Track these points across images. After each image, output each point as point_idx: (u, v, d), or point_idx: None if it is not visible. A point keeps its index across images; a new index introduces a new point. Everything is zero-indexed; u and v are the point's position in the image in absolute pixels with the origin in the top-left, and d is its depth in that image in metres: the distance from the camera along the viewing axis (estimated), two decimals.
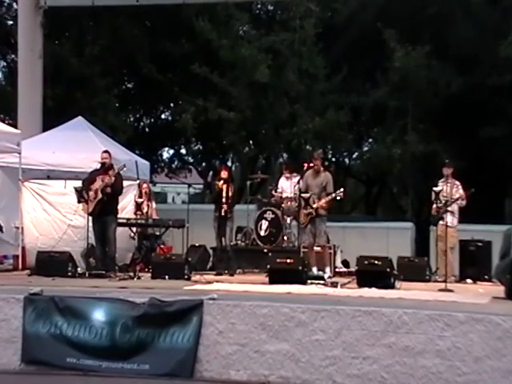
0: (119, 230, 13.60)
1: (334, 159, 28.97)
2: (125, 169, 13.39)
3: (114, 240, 13.15)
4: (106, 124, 19.99)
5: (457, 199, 13.58)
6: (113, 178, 12.99)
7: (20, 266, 14.00)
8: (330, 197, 12.82)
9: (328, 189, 12.90)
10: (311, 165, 13.13)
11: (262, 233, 15.03)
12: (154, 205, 15.26)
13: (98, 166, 13.43)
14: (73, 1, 20.41)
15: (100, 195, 12.96)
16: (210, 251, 15.17)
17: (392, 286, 11.34)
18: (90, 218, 13.16)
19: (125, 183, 13.89)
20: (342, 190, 12.91)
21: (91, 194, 12.99)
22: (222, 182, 13.89)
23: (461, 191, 13.67)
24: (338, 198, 12.86)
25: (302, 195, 12.82)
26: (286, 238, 14.93)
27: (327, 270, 12.84)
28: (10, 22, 24.55)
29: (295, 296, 10.07)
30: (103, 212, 13.05)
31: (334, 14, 23.92)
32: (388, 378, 8.40)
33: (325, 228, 13.01)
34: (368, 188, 31.05)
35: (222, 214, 13.74)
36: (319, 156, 13.45)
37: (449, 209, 13.34)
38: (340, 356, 8.59)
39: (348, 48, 23.08)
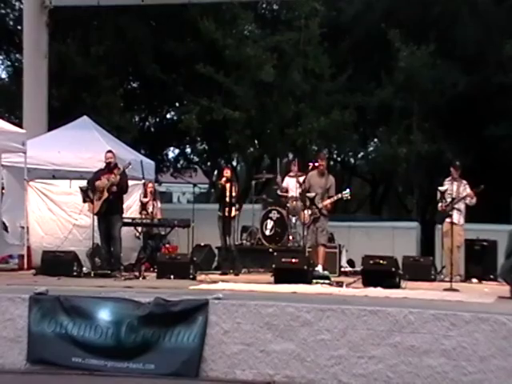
0: (124, 229, 13.61)
1: (339, 159, 29.00)
2: (130, 167, 13.41)
3: (119, 239, 13.17)
4: (111, 124, 20.03)
5: (464, 197, 13.58)
6: (118, 177, 13.00)
7: (25, 266, 14.00)
8: (336, 197, 12.85)
9: (330, 192, 12.95)
10: (316, 165, 13.13)
11: (268, 232, 15.04)
12: (159, 204, 15.26)
13: (103, 165, 13.43)
14: (78, 0, 20.44)
15: (106, 194, 12.98)
16: (216, 251, 15.17)
17: (397, 286, 11.33)
18: (96, 217, 13.18)
19: (130, 183, 13.90)
20: (348, 190, 12.97)
21: (97, 193, 13.01)
22: (224, 181, 13.89)
23: (468, 190, 13.65)
24: (345, 198, 12.90)
25: (308, 195, 12.82)
26: (291, 237, 14.94)
27: (319, 267, 12.77)
28: (15, 22, 24.60)
29: (300, 295, 10.06)
30: (109, 211, 13.08)
31: (340, 13, 23.93)
32: (393, 377, 8.39)
33: (327, 227, 13.01)
34: (373, 187, 31.03)
35: (226, 213, 13.75)
36: (325, 157, 13.44)
37: (455, 207, 13.32)
38: (345, 355, 8.58)
39: (353, 47, 23.09)
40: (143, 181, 15.21)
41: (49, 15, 19.25)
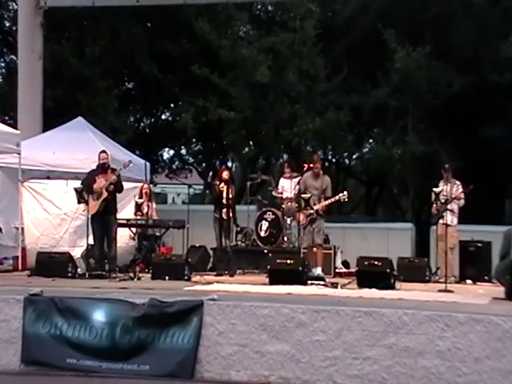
0: (119, 230, 13.57)
1: (334, 160, 28.99)
2: (131, 164, 13.38)
3: (115, 240, 13.14)
4: (106, 125, 19.98)
5: (455, 197, 13.63)
6: (116, 177, 12.93)
7: (20, 267, 13.96)
8: (333, 199, 12.83)
9: (327, 193, 12.93)
10: (311, 166, 13.11)
11: (263, 233, 15.03)
12: (154, 205, 15.24)
13: (95, 165, 13.38)
14: (73, 1, 20.41)
15: (105, 194, 12.89)
16: (210, 252, 15.16)
17: (392, 287, 11.35)
18: (90, 218, 13.11)
19: (131, 185, 13.87)
20: (345, 193, 12.92)
21: (95, 194, 12.94)
22: (222, 183, 13.81)
23: (460, 190, 13.72)
24: (342, 200, 12.88)
25: (303, 196, 12.80)
26: (286, 238, 14.93)
27: (318, 269, 12.76)
28: (10, 23, 24.55)
29: (295, 296, 10.07)
30: (106, 212, 13.01)
31: (335, 14, 23.93)
32: (388, 378, 8.40)
33: (323, 227, 13.02)
34: (368, 189, 31.04)
35: (224, 215, 13.71)
36: (319, 158, 13.43)
37: (448, 207, 13.36)
38: (340, 357, 8.59)
39: (348, 48, 23.08)
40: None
41: (43, 16, 19.20)
